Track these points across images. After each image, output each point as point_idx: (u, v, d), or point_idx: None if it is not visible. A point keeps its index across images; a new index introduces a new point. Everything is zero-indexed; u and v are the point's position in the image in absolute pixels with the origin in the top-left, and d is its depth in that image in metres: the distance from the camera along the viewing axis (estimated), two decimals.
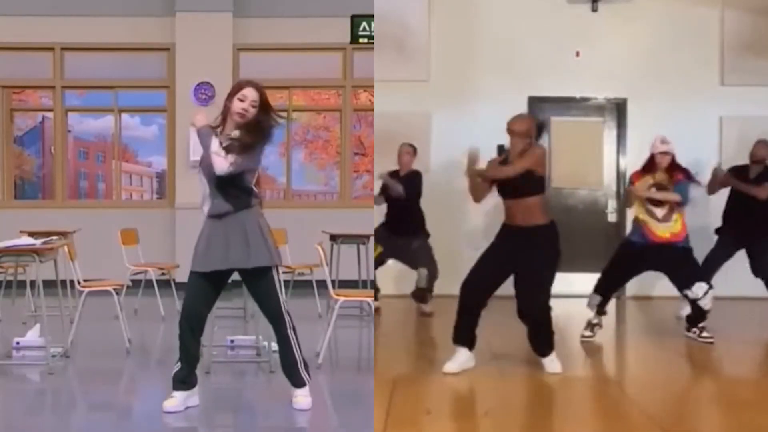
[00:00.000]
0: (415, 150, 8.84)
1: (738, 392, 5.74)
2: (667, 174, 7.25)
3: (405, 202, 8.66)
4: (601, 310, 7.50)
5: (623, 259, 7.43)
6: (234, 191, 5.15)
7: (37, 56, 12.15)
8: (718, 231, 8.64)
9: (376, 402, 5.35)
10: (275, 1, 11.93)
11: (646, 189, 7.26)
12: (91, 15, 11.77)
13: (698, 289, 7.15)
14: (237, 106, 5.10)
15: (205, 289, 5.25)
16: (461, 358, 6.12)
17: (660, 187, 7.22)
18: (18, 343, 7.24)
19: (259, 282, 5.31)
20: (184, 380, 5.31)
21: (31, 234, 7.58)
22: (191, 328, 5.24)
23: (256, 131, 5.14)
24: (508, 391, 5.75)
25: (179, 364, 5.31)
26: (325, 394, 6.39)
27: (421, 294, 8.73)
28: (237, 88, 5.17)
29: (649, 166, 7.35)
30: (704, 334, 7.34)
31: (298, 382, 5.45)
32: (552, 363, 6.10)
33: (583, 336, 7.46)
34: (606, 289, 7.48)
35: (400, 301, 9.28)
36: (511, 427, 4.90)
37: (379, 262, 8.89)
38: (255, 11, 11.93)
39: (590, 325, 7.51)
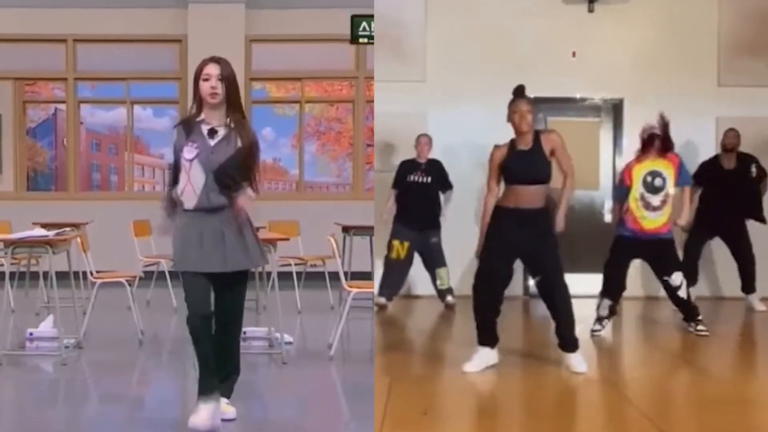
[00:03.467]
0: (431, 140, 9.05)
1: (736, 392, 5.67)
2: (660, 157, 7.25)
3: (428, 185, 8.87)
4: (612, 312, 7.51)
5: (616, 254, 7.43)
6: (232, 183, 4.76)
7: (50, 48, 12.19)
8: (695, 218, 8.74)
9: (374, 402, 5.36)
10: None
11: (641, 177, 7.25)
12: (103, 7, 11.81)
13: (677, 277, 7.29)
14: (205, 88, 4.70)
15: (204, 290, 4.78)
16: (483, 357, 6.03)
17: (655, 174, 7.22)
18: (31, 333, 7.30)
19: (237, 281, 4.90)
20: (210, 386, 4.78)
21: (44, 226, 7.62)
22: (204, 328, 4.76)
23: (241, 118, 4.80)
24: (506, 390, 5.70)
25: (199, 380, 4.82)
26: (337, 386, 6.43)
27: (447, 291, 8.90)
28: (199, 69, 4.76)
29: (645, 149, 7.33)
30: (700, 327, 7.41)
31: (225, 392, 5.01)
32: (577, 360, 6.02)
33: (593, 331, 7.45)
34: (612, 291, 7.48)
35: (400, 301, 9.20)
36: (509, 427, 4.88)
37: (409, 260, 8.82)
38: (267, 2, 11.94)
39: (600, 319, 7.50)
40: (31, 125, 15.26)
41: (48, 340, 7.18)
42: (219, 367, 4.87)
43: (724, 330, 7.93)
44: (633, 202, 7.24)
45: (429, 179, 8.91)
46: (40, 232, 6.94)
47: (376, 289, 8.31)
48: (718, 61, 9.99)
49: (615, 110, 10.15)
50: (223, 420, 4.89)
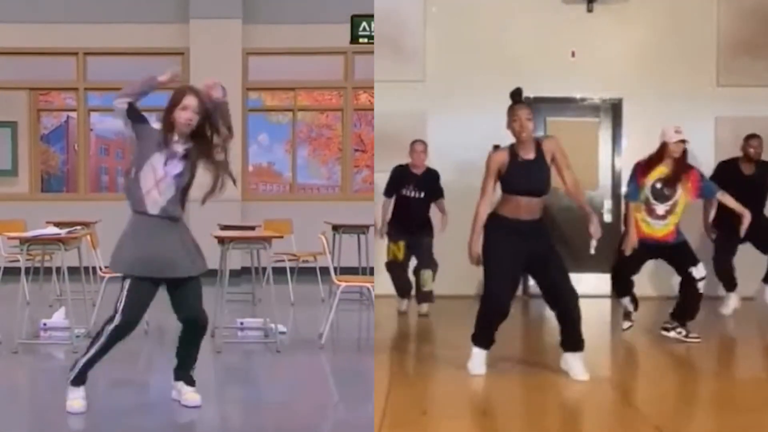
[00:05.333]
0: (426, 146, 8.46)
1: (735, 392, 5.50)
2: (676, 167, 6.64)
3: (421, 199, 8.32)
4: (635, 307, 7.17)
5: (627, 261, 6.92)
6: (185, 198, 4.85)
7: (62, 60, 12.16)
8: (715, 226, 8.10)
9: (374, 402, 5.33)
10: (281, 8, 11.92)
11: (650, 183, 6.69)
12: (111, 22, 11.77)
13: (701, 268, 6.70)
14: (181, 117, 4.71)
15: (150, 298, 4.87)
16: (482, 358, 5.68)
17: (666, 181, 6.66)
18: (45, 324, 7.29)
19: (195, 285, 4.94)
20: (83, 380, 4.92)
21: (57, 224, 7.60)
22: (120, 339, 4.86)
23: (205, 145, 4.80)
24: (506, 390, 5.45)
25: (77, 370, 4.90)
26: (327, 372, 6.44)
27: (427, 295, 8.30)
28: (178, 97, 4.77)
29: (660, 156, 6.69)
30: (692, 334, 6.83)
31: (191, 381, 5.06)
32: (581, 367, 5.58)
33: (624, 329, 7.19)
34: (625, 292, 7.11)
35: (398, 301, 8.75)
36: (509, 427, 4.71)
37: (407, 258, 8.35)
38: (263, 18, 11.93)
39: (626, 315, 7.21)
40: (44, 131, 15.20)
41: (60, 330, 7.17)
42: (190, 360, 5.07)
43: (723, 329, 7.72)
44: (638, 209, 6.76)
45: (422, 194, 8.30)
46: (52, 230, 6.93)
47: (375, 285, 7.73)
48: (717, 61, 9.57)
49: (614, 110, 9.70)
50: (190, 407, 4.95)
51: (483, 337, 5.68)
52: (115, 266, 4.87)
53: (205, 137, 4.79)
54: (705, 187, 6.82)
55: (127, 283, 4.76)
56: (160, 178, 4.71)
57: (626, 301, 7.18)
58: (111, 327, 4.76)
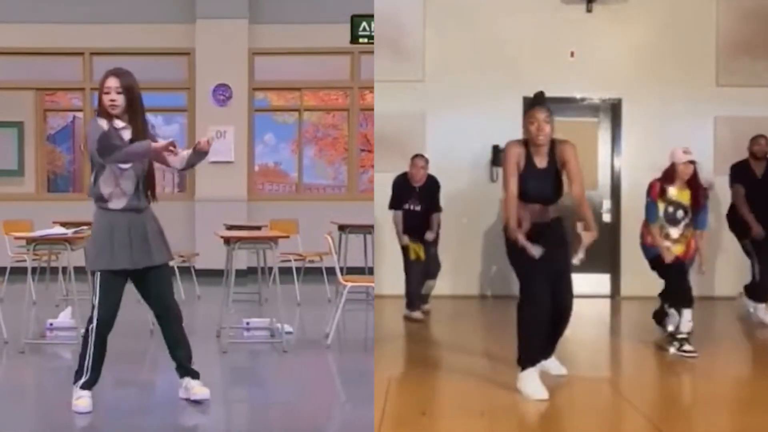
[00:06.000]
0: (427, 162, 8.33)
1: (733, 392, 5.50)
2: (688, 189, 6.52)
3: (424, 210, 8.22)
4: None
5: (665, 269, 6.60)
6: (147, 188, 4.91)
7: (68, 60, 12.17)
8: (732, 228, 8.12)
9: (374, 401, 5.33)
10: (287, 8, 11.92)
11: (662, 209, 6.52)
12: (118, 22, 11.78)
13: (686, 316, 6.41)
14: (105, 100, 4.73)
15: (121, 290, 4.88)
16: (536, 379, 5.22)
17: (677, 206, 6.53)
18: (51, 324, 7.30)
19: (164, 274, 4.99)
20: (95, 382, 4.93)
21: (63, 224, 7.61)
22: (106, 334, 4.91)
23: (141, 128, 4.85)
24: (504, 391, 5.31)
25: (88, 374, 4.88)
26: (333, 372, 6.44)
27: (425, 297, 8.34)
28: (100, 83, 4.80)
29: (670, 176, 6.54)
30: (686, 347, 6.40)
31: (195, 374, 5.05)
32: (557, 364, 5.56)
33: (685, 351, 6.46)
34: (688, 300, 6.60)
35: (399, 302, 8.61)
36: (508, 427, 4.67)
37: (427, 259, 8.20)
38: (269, 18, 11.93)
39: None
40: (50, 132, 15.20)
41: (66, 330, 7.17)
42: (182, 352, 5.06)
43: (722, 330, 7.71)
44: (654, 227, 6.57)
45: (420, 207, 8.17)
46: (59, 230, 6.94)
47: (376, 284, 7.81)
48: (716, 60, 9.56)
49: (613, 110, 9.69)
50: (199, 400, 4.97)
51: (529, 351, 5.27)
52: (86, 264, 4.97)
53: (136, 121, 4.82)
54: (701, 217, 6.64)
55: (98, 278, 4.81)
56: (119, 175, 4.78)
57: (688, 314, 6.59)
58: (93, 325, 4.84)
